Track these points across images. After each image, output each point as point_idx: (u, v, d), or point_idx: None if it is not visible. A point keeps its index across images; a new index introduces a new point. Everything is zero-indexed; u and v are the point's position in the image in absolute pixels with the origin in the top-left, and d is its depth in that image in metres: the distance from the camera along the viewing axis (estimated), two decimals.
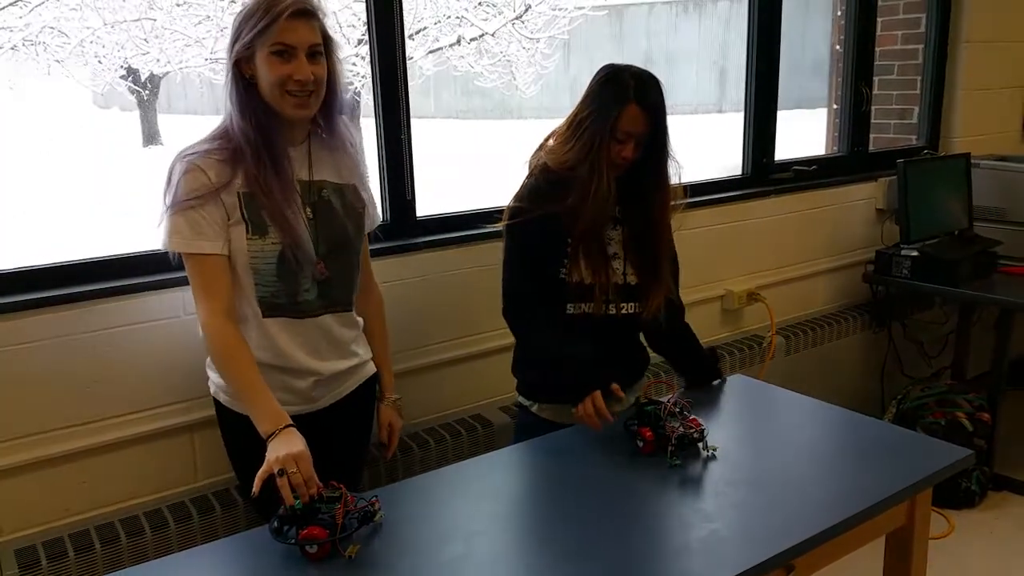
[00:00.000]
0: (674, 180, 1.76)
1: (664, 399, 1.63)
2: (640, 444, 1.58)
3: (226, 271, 1.48)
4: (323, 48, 1.47)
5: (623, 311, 1.78)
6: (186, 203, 1.43)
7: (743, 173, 2.90)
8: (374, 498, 1.36)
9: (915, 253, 2.83)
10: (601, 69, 1.72)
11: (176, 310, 1.78)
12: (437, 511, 1.40)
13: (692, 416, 1.61)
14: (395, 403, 1.78)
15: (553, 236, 1.71)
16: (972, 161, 3.06)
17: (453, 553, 1.27)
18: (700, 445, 1.57)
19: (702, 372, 1.91)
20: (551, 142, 1.76)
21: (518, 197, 1.75)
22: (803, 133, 4.34)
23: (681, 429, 1.56)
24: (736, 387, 1.92)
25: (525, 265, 1.75)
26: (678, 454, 1.54)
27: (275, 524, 1.28)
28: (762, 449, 1.64)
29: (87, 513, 1.76)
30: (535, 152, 1.79)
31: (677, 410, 1.60)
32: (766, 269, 2.89)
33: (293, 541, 1.26)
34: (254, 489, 1.33)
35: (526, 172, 1.79)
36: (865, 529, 1.44)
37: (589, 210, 1.67)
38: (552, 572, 1.24)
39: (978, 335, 3.19)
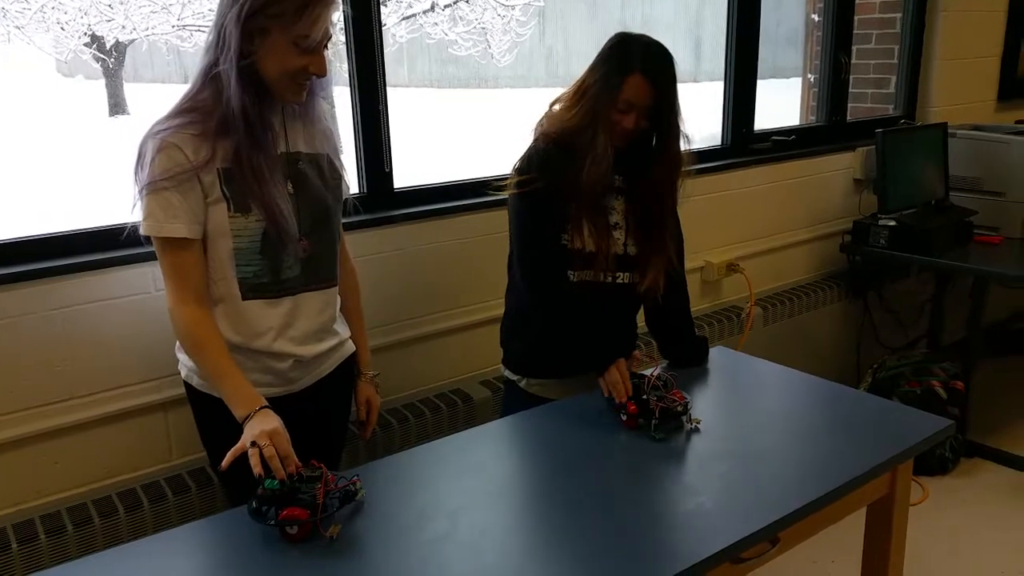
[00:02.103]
0: (683, 147, 1.72)
1: (647, 372, 1.61)
2: (624, 418, 1.57)
3: (198, 255, 1.42)
4: None
5: (618, 280, 1.76)
6: (160, 183, 1.36)
7: (722, 143, 2.88)
8: (355, 477, 1.33)
9: (892, 223, 2.84)
10: (613, 36, 1.69)
11: (145, 286, 1.73)
12: (419, 488, 1.38)
13: (675, 389, 1.60)
14: (372, 379, 1.75)
15: (556, 202, 1.69)
16: (949, 131, 3.07)
17: (436, 531, 1.25)
18: (684, 418, 1.56)
19: (688, 359, 1.89)
20: (556, 107, 1.73)
21: (523, 162, 1.72)
22: (776, 103, 4.32)
23: (664, 402, 1.55)
24: (717, 359, 1.92)
25: (540, 231, 1.71)
26: (662, 427, 1.53)
27: (254, 505, 1.26)
28: (745, 421, 1.63)
29: (59, 494, 1.72)
30: (540, 119, 1.76)
31: (660, 383, 1.59)
32: (745, 240, 2.88)
33: (273, 522, 1.23)
34: (223, 462, 1.29)
35: (531, 138, 1.75)
36: (848, 500, 1.44)
37: (588, 177, 1.65)
38: (537, 548, 1.23)
39: (953, 303, 3.23)
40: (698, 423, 1.56)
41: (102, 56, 10.59)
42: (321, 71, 1.41)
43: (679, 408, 1.56)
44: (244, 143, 1.38)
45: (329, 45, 1.44)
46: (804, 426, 1.61)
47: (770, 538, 1.30)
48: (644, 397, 1.57)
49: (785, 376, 1.84)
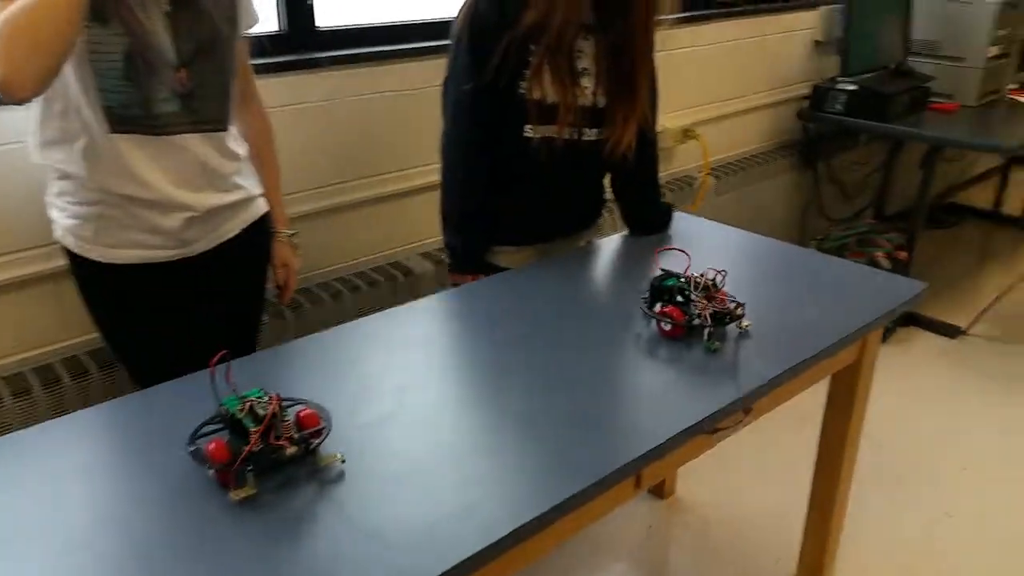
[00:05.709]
0: None
1: (686, 271, 1.36)
2: (667, 327, 1.29)
3: None
4: None
5: (585, 137, 1.54)
6: None
7: None
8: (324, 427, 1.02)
9: (853, 87, 2.71)
10: None
11: (20, 133, 1.45)
12: (359, 366, 1.22)
13: (722, 289, 1.33)
14: (289, 239, 1.55)
15: (512, 45, 1.42)
16: None
17: (378, 411, 1.10)
18: (735, 323, 1.31)
19: (652, 226, 1.73)
20: None
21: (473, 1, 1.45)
22: None
23: (715, 305, 1.29)
24: (678, 225, 1.77)
25: (471, 82, 1.46)
26: (717, 334, 1.28)
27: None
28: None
29: None
30: None
31: (711, 283, 1.32)
32: (701, 104, 2.71)
33: (191, 451, 0.98)
34: None
35: None
36: (819, 369, 1.36)
37: (562, 15, 1.39)
38: (500, 422, 1.09)
39: (898, 175, 3.18)
40: (749, 327, 1.32)
41: None
42: None
43: (735, 309, 1.29)
44: None
45: None
46: (774, 292, 1.50)
47: (743, 409, 1.20)
48: (688, 300, 1.30)
49: (751, 242, 1.72)
